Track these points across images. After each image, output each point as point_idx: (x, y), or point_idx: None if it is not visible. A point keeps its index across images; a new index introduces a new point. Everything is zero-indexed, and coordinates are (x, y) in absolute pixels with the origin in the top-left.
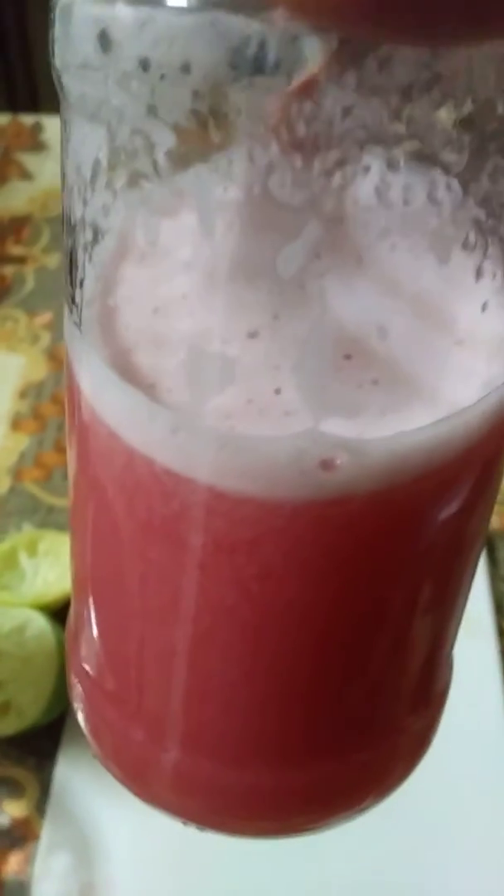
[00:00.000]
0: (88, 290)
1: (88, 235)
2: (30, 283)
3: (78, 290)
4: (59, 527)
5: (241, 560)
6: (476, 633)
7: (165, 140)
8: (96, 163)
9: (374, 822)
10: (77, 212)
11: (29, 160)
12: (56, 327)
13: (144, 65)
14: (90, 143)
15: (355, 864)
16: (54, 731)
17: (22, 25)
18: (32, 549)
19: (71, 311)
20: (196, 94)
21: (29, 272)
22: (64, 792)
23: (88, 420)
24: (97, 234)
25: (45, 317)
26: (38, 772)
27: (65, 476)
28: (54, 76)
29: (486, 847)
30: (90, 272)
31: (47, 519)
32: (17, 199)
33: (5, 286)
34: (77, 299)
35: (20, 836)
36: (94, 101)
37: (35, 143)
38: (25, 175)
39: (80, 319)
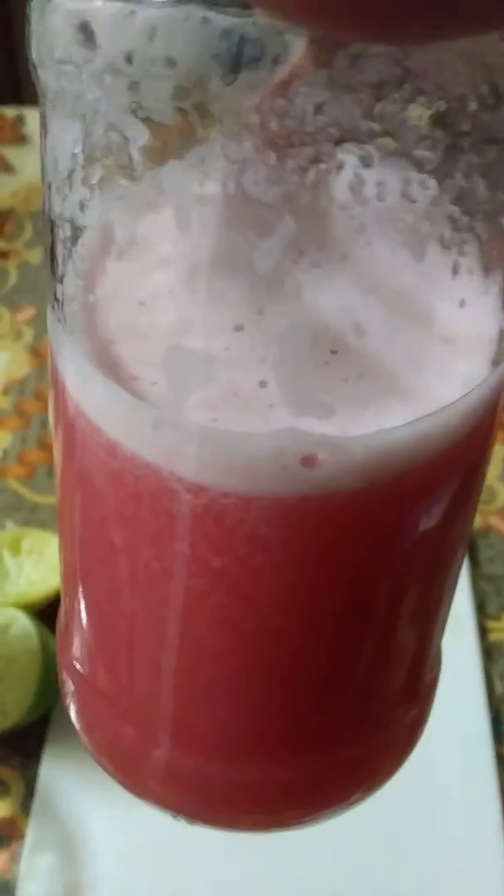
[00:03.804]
0: (70, 285)
1: (67, 231)
2: (12, 278)
3: (59, 286)
4: (43, 525)
5: (224, 546)
6: (458, 632)
7: (140, 136)
8: (73, 158)
9: (358, 818)
10: (56, 207)
11: (11, 153)
12: (39, 323)
13: (127, 58)
14: (67, 138)
15: (341, 861)
16: (39, 729)
17: (6, 17)
18: (16, 548)
19: (53, 306)
20: (178, 89)
21: (11, 267)
22: (49, 791)
23: (73, 413)
24: (76, 230)
25: (27, 312)
26: (22, 771)
27: (48, 474)
28: (31, 71)
29: (470, 841)
30: (71, 268)
31: (31, 517)
32: (0, 192)
33: None
34: (59, 294)
35: (5, 835)
36: (71, 96)
37: (17, 135)
38: (7, 168)
39: (63, 314)
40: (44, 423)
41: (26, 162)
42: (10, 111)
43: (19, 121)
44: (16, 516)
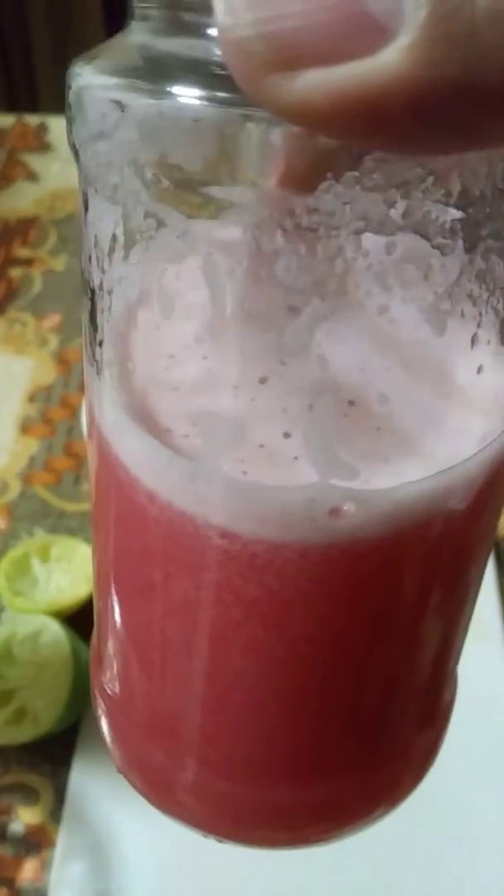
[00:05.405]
0: (108, 350)
1: (107, 302)
2: (37, 286)
3: (98, 350)
4: (71, 532)
5: (256, 581)
6: (486, 637)
7: (179, 224)
8: (113, 238)
9: (387, 831)
10: (96, 279)
11: (34, 161)
12: (64, 330)
13: (159, 118)
14: (107, 218)
15: (368, 871)
16: (69, 737)
17: (23, 26)
18: (45, 555)
19: (92, 364)
20: (212, 145)
21: (36, 274)
22: (79, 798)
23: (111, 461)
24: (115, 300)
25: (52, 319)
26: (52, 778)
27: (75, 481)
28: (72, 153)
29: (495, 853)
30: (109, 335)
31: (58, 524)
32: (24, 200)
33: (13, 289)
34: (98, 356)
35: (35, 842)
36: (111, 184)
37: (40, 143)
38: (31, 176)
39: (101, 374)
40: (69, 431)
41: (50, 169)
42: (32, 119)
43: (42, 129)
44: (44, 523)
